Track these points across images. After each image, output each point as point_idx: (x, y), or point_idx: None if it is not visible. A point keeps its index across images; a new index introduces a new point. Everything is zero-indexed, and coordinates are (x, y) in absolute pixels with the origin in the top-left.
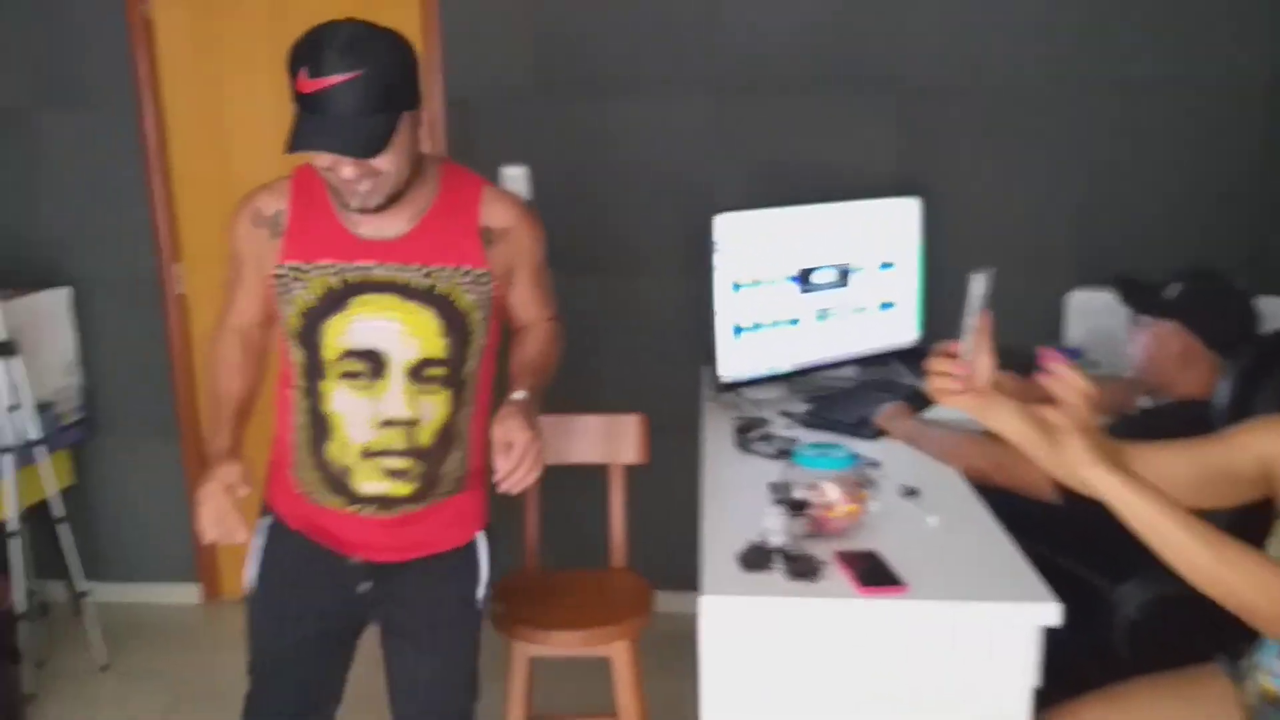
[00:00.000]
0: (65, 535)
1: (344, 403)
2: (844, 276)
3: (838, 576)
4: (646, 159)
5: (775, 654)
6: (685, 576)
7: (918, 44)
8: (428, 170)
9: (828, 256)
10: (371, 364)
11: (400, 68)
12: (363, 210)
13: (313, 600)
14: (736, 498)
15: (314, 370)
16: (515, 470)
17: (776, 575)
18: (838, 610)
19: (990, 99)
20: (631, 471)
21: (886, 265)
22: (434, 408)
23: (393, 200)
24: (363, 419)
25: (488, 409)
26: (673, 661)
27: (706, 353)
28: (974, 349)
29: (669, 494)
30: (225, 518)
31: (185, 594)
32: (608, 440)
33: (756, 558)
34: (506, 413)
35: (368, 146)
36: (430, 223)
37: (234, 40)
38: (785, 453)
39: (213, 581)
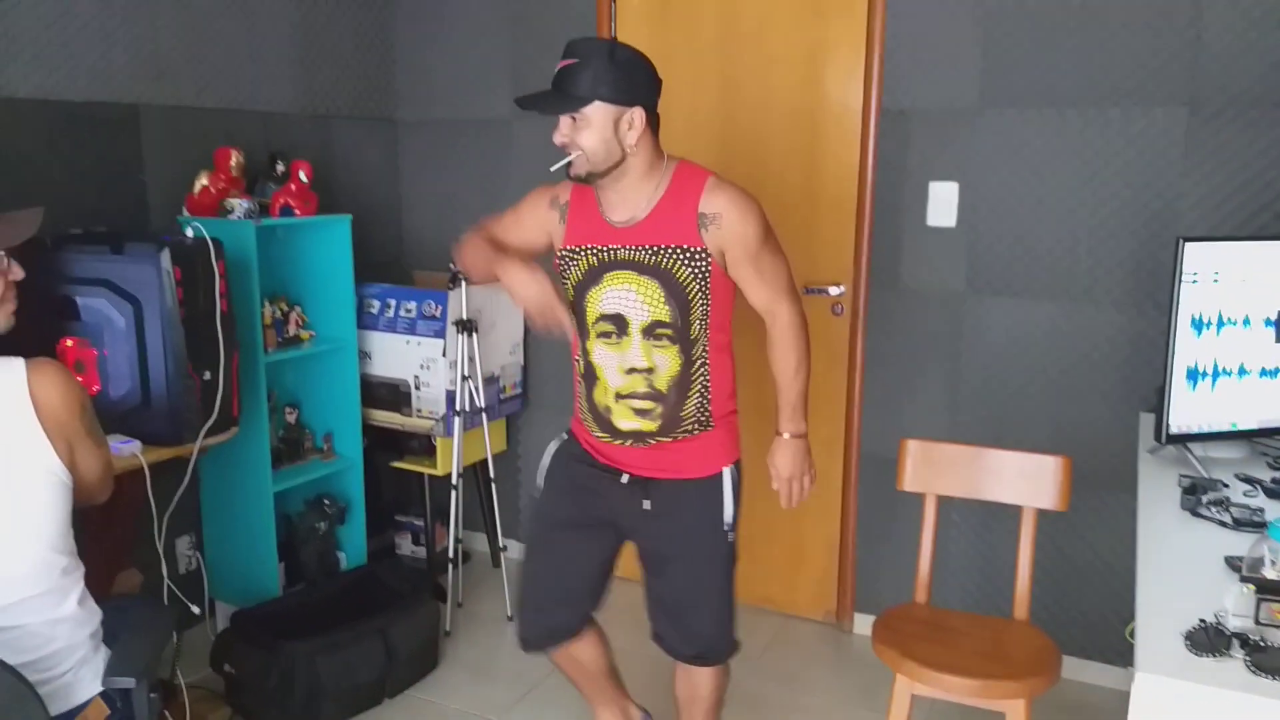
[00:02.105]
0: (494, 494)
1: (602, 356)
2: None
3: None
4: (1096, 177)
5: None
6: (1091, 643)
7: None
8: (663, 168)
9: None
10: (617, 325)
11: (608, 68)
12: (573, 178)
13: (585, 500)
14: (1182, 567)
15: (583, 331)
16: (784, 495)
17: (1234, 664)
18: None
19: None
20: (1046, 517)
21: None
22: (666, 360)
23: (595, 177)
24: (614, 368)
25: (728, 365)
26: None
27: (1150, 398)
28: None
29: (1086, 550)
30: (545, 297)
31: None
32: (1025, 480)
33: (1210, 640)
34: (775, 449)
35: (545, 108)
36: (659, 210)
37: (685, 49)
38: (1246, 523)
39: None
